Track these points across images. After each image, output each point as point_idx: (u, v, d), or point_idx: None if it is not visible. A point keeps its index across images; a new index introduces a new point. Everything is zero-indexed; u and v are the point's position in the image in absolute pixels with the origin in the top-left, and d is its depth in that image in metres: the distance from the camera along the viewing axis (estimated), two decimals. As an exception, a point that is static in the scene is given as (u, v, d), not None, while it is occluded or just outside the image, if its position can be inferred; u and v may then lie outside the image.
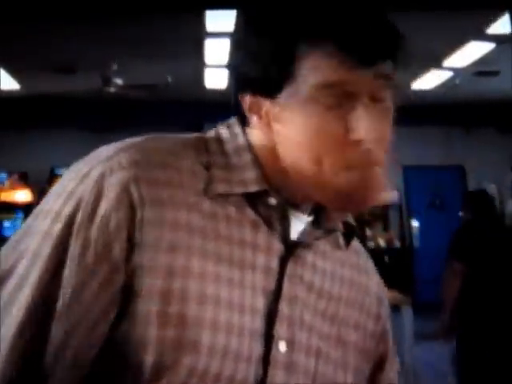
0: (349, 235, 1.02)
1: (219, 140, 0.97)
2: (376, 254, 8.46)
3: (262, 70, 0.89)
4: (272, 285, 0.94)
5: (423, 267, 9.77)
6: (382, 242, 9.70)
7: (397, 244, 9.68)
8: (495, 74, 7.50)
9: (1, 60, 7.07)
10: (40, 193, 9.07)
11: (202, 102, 8.98)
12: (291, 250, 0.96)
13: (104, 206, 0.86)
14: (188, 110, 8.98)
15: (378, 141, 0.87)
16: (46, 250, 0.86)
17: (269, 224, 0.95)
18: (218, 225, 0.92)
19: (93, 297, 0.86)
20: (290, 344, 0.95)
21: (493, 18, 5.99)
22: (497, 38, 6.46)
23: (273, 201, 0.93)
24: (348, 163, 0.87)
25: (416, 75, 8.11)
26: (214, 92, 8.41)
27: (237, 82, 0.95)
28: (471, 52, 6.99)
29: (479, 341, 4.11)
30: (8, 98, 8.57)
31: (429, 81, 8.25)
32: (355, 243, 1.06)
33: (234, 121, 1.00)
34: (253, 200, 0.93)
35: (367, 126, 0.85)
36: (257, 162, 0.94)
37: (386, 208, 9.67)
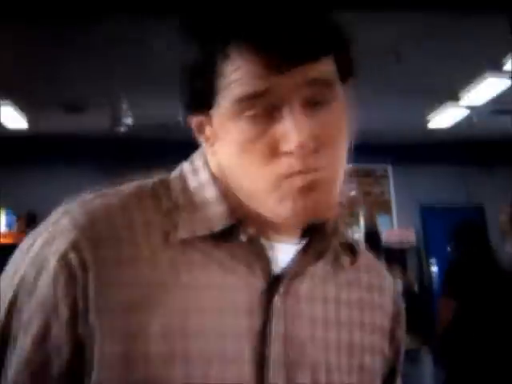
0: (351, 253, 0.98)
1: (182, 178, 0.93)
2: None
3: (190, 85, 0.86)
4: (258, 327, 0.87)
5: None
6: (399, 287, 9.48)
7: (416, 288, 9.45)
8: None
9: (9, 98, 7.07)
10: None
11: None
12: (276, 283, 0.90)
13: (44, 280, 0.83)
14: (189, 146, 8.88)
15: (320, 146, 0.82)
16: None
17: (245, 261, 0.89)
18: (181, 275, 0.86)
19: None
20: None
21: (510, 53, 5.86)
22: None
23: (243, 236, 0.87)
24: (285, 176, 0.82)
25: (432, 113, 8.03)
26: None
27: (180, 103, 0.91)
28: (488, 89, 6.86)
29: (467, 374, 4.14)
30: (16, 137, 8.60)
31: (446, 119, 8.17)
32: (365, 260, 1.03)
33: (197, 153, 0.96)
34: (224, 238, 0.87)
35: (300, 134, 0.80)
36: (223, 194, 0.89)
37: (403, 251, 9.56)
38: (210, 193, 0.90)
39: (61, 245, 0.83)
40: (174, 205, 0.90)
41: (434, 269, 9.97)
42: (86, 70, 6.33)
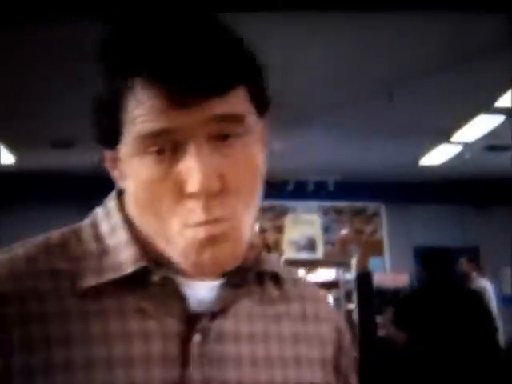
0: (277, 283, 0.95)
1: (94, 224, 0.91)
2: (388, 342, 8.36)
3: (98, 119, 0.84)
4: (174, 376, 0.83)
5: None
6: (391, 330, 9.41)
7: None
8: (506, 148, 7.42)
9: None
10: None
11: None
12: (195, 324, 0.86)
13: None
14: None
15: (227, 185, 0.78)
16: None
17: (161, 303, 0.86)
18: (91, 326, 0.82)
19: None
20: None
21: (502, 90, 5.90)
22: (506, 111, 6.38)
23: (155, 278, 0.85)
24: (188, 219, 0.79)
25: (425, 151, 8.15)
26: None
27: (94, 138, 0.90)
28: (480, 126, 6.96)
29: None
30: (3, 173, 8.63)
31: (438, 156, 8.26)
32: (299, 290, 0.99)
33: (111, 194, 0.94)
34: (138, 282, 0.85)
35: (204, 172, 0.76)
36: (136, 236, 0.87)
37: (396, 293, 9.17)
38: (121, 236, 0.87)
39: None
40: (83, 252, 0.88)
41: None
42: (75, 106, 6.36)
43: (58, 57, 5.12)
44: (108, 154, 0.87)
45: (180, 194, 0.79)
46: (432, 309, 4.18)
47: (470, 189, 9.45)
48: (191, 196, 0.78)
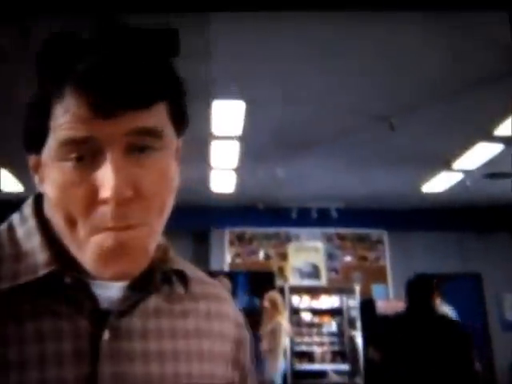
0: (183, 281, 0.98)
1: (11, 229, 0.92)
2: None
3: (26, 123, 0.87)
4: (86, 372, 0.86)
5: None
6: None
7: None
8: (506, 176, 7.46)
9: (6, 163, 7.21)
10: None
11: (209, 206, 9.06)
12: (105, 322, 0.89)
13: None
14: (195, 215, 8.97)
15: (138, 194, 0.81)
16: None
17: (73, 303, 0.88)
18: (7, 328, 0.84)
19: None
20: None
21: (500, 119, 5.99)
22: (505, 140, 6.45)
23: (67, 279, 0.86)
24: (98, 225, 0.80)
25: (426, 178, 8.16)
26: (221, 196, 8.48)
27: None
28: (480, 154, 6.99)
29: None
30: (13, 200, 8.63)
31: (439, 183, 8.28)
32: (205, 288, 1.03)
33: (27, 200, 0.95)
34: (51, 284, 0.87)
35: (116, 179, 0.78)
36: (50, 240, 0.89)
37: None
38: (36, 241, 0.90)
39: None
40: (12, 252, 0.90)
41: None
42: None
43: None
44: (32, 158, 0.89)
45: (94, 199, 0.81)
46: (406, 331, 4.25)
47: (471, 215, 9.44)
48: (104, 202, 0.80)
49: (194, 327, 0.98)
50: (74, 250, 0.86)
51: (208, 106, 5.42)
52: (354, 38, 4.48)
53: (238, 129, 6.02)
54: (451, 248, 9.91)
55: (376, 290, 9.86)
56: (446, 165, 7.55)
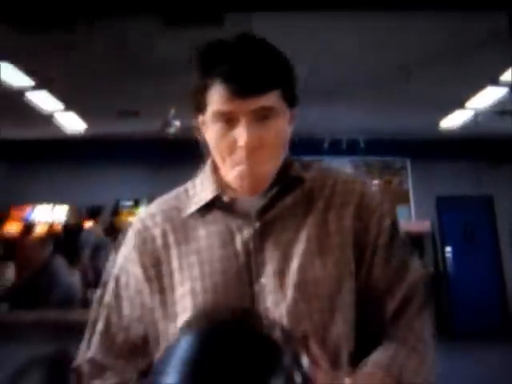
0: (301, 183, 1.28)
1: (202, 174, 1.34)
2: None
3: (194, 99, 1.23)
4: (241, 261, 1.19)
5: (457, 295, 10.09)
6: None
7: (430, 270, 9.98)
8: None
9: (72, 106, 7.97)
10: (107, 224, 9.82)
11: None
12: (252, 225, 1.21)
13: (124, 248, 1.32)
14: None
15: (259, 146, 1.17)
16: (111, 289, 1.32)
17: (230, 214, 1.23)
18: (189, 233, 1.25)
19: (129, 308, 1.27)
20: (278, 273, 1.18)
21: (505, 67, 6.65)
22: (510, 84, 7.06)
23: (225, 198, 1.25)
24: (238, 162, 1.19)
25: (442, 116, 8.70)
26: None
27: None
28: (489, 96, 7.61)
29: None
30: (77, 139, 9.37)
31: (454, 120, 8.78)
32: (327, 183, 1.29)
33: (208, 161, 1.35)
34: (216, 204, 1.26)
35: (248, 136, 1.15)
36: (215, 178, 1.29)
37: (421, 239, 10.00)
38: (207, 182, 1.29)
39: (133, 225, 1.32)
40: (193, 193, 1.31)
41: (449, 254, 10.42)
42: (140, 84, 7.19)
43: (124, 46, 5.99)
44: (200, 117, 1.24)
45: (234, 146, 1.17)
46: None
47: (483, 147, 9.74)
48: (240, 148, 1.16)
49: (312, 210, 1.25)
50: (226, 176, 1.24)
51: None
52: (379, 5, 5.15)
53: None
54: (466, 175, 10.23)
55: (400, 211, 10.16)
56: (460, 105, 8.08)
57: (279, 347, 0.94)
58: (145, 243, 1.28)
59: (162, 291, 1.23)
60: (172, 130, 8.62)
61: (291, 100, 1.24)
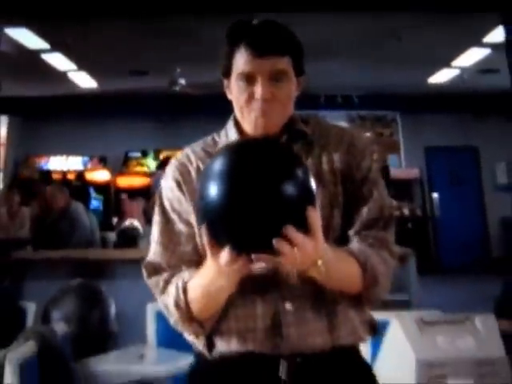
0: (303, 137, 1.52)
1: (223, 128, 1.59)
2: (401, 222, 9.64)
3: (223, 64, 1.50)
4: None
5: (444, 234, 10.90)
6: (406, 211, 10.71)
7: (419, 213, 10.69)
8: (493, 71, 8.55)
9: (83, 64, 8.44)
10: (117, 173, 10.52)
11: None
12: None
13: (166, 183, 1.55)
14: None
15: (270, 100, 1.43)
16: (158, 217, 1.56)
17: None
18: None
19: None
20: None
21: (487, 29, 7.20)
22: (491, 45, 7.61)
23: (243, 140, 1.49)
24: (255, 110, 1.45)
25: (430, 73, 9.22)
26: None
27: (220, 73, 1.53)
28: (473, 56, 8.16)
29: None
30: (89, 95, 9.85)
31: (441, 77, 9.29)
32: (325, 132, 1.55)
33: (231, 116, 1.58)
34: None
35: (263, 91, 1.42)
36: (236, 128, 1.53)
37: (410, 184, 10.69)
38: (231, 130, 1.54)
39: (171, 164, 1.56)
40: (219, 140, 1.57)
41: (436, 199, 11.13)
42: (150, 43, 7.63)
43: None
44: (226, 81, 1.50)
45: (252, 98, 1.43)
46: None
47: (468, 101, 10.22)
48: (257, 99, 1.43)
49: (318, 157, 1.50)
50: (244, 124, 1.50)
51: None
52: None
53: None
54: (453, 126, 10.76)
55: (390, 159, 10.93)
56: (446, 64, 8.64)
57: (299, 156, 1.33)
58: (182, 175, 1.53)
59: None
60: (177, 88, 9.10)
61: (299, 69, 1.50)
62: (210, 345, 1.45)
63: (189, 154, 1.55)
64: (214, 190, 1.17)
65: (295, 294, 1.39)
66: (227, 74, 1.49)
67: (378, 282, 1.40)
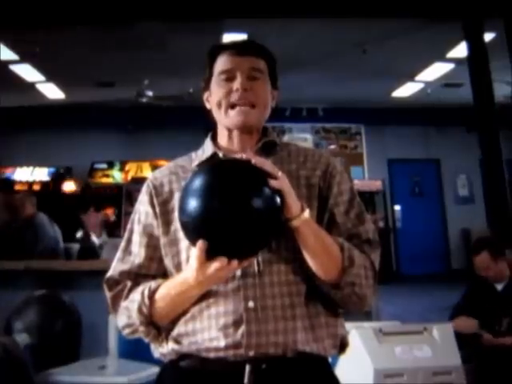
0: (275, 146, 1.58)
1: (200, 148, 1.63)
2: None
3: (204, 80, 1.60)
4: None
5: (405, 245, 11.05)
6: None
7: (381, 224, 10.79)
8: (456, 85, 8.79)
9: (51, 75, 8.44)
10: (83, 184, 10.35)
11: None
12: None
13: (140, 196, 1.61)
14: (206, 116, 9.94)
15: (249, 89, 1.50)
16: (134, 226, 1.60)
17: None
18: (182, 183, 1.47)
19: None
20: None
21: (451, 45, 7.39)
22: (455, 60, 7.82)
23: (220, 155, 1.54)
24: (233, 102, 1.51)
25: (394, 87, 9.42)
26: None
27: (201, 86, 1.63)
28: (436, 70, 8.36)
29: None
30: (56, 106, 9.84)
31: (405, 90, 9.50)
32: (295, 149, 1.60)
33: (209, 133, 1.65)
34: (211, 160, 1.53)
35: (241, 83, 1.50)
36: (213, 143, 1.58)
37: (372, 196, 10.84)
38: (208, 144, 1.59)
39: (147, 181, 1.59)
40: (195, 157, 1.60)
41: (398, 211, 11.32)
42: (117, 59, 7.70)
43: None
44: (206, 93, 1.59)
45: (231, 92, 1.49)
46: None
47: (432, 114, 10.38)
48: (236, 90, 1.49)
49: (287, 168, 1.52)
50: (222, 121, 1.55)
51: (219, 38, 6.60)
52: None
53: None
54: (416, 139, 10.98)
55: (354, 171, 10.89)
56: (410, 77, 8.84)
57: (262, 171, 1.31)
58: (155, 188, 1.56)
59: (167, 223, 1.51)
60: (144, 99, 9.19)
61: (273, 80, 1.59)
62: (174, 347, 1.46)
63: (162, 170, 1.60)
64: (213, 204, 1.24)
65: (259, 293, 1.40)
66: (207, 84, 1.57)
67: (353, 262, 1.40)
